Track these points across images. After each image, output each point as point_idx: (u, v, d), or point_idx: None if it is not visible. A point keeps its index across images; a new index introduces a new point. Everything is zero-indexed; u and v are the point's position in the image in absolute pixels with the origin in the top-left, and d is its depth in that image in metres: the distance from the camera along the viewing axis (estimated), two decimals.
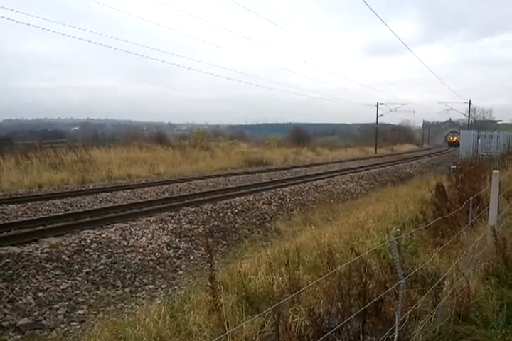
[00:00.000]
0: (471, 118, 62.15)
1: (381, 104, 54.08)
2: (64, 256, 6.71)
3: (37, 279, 5.97)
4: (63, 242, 7.18)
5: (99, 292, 6.02)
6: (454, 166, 12.98)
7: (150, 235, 8.20)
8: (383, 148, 54.87)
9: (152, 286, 6.46)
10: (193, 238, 8.65)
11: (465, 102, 57.76)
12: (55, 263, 6.47)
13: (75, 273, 6.33)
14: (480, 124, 64.80)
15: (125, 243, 7.61)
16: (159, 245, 7.90)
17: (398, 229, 5.92)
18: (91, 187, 15.84)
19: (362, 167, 25.10)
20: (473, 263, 4.51)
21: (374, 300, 3.03)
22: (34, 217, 9.93)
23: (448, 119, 77.90)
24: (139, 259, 7.18)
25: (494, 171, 5.82)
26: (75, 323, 5.14)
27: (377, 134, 53.28)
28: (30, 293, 5.58)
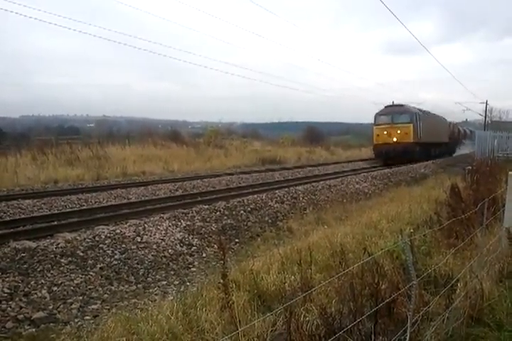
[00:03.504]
0: (487, 119, 59.87)
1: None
2: (78, 251, 6.78)
3: (52, 274, 6.05)
4: (78, 237, 7.26)
5: (112, 287, 6.08)
6: (470, 167, 12.88)
7: (163, 232, 8.25)
8: None
9: (165, 282, 6.50)
10: (205, 235, 8.69)
11: (482, 102, 56.53)
12: (70, 258, 6.54)
13: (89, 268, 6.40)
14: (497, 125, 60.05)
15: (139, 239, 7.67)
16: (172, 242, 7.95)
17: (412, 230, 5.90)
18: (106, 183, 16.00)
19: (375, 167, 24.96)
20: (487, 265, 4.47)
21: (386, 300, 3.02)
22: (49, 212, 10.06)
23: (464, 120, 69.36)
24: (152, 255, 7.24)
25: (510, 173, 5.77)
26: (88, 318, 5.19)
27: None
28: (45, 287, 5.65)
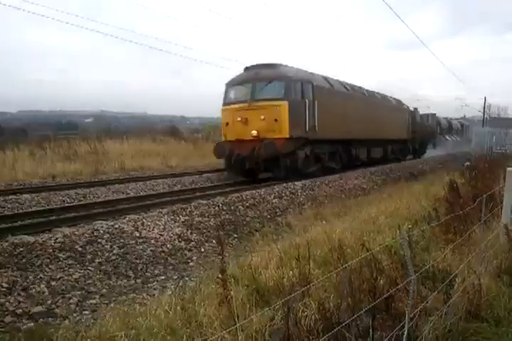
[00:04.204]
0: (486, 115, 59.76)
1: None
2: (77, 246, 6.78)
3: (50, 268, 6.05)
4: (76, 232, 7.25)
5: (111, 282, 6.09)
6: (468, 163, 12.91)
7: (162, 227, 8.25)
8: None
9: (163, 277, 6.51)
10: (204, 230, 8.69)
11: (480, 99, 56.42)
12: (68, 253, 6.54)
13: (87, 263, 6.40)
14: (495, 121, 59.59)
15: (137, 234, 7.67)
16: (171, 237, 7.95)
17: (410, 226, 5.91)
18: (104, 178, 15.99)
19: (374, 162, 24.95)
20: (486, 261, 4.49)
21: (384, 295, 3.03)
22: (48, 207, 10.06)
23: (463, 116, 68.68)
24: (151, 250, 7.24)
25: (508, 169, 5.78)
26: (87, 312, 5.20)
27: None
28: (44, 282, 5.65)
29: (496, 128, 27.83)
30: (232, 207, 10.28)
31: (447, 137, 38.11)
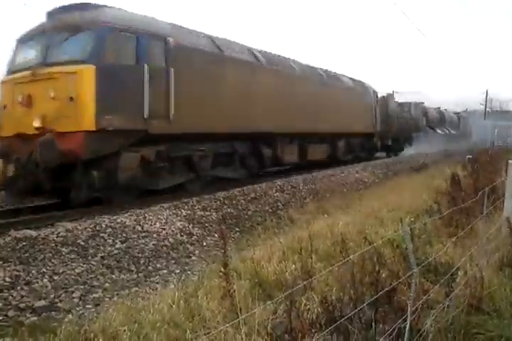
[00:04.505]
0: (487, 109, 59.37)
1: (396, 92, 52.48)
2: (79, 241, 6.79)
3: (53, 262, 6.06)
4: (79, 227, 7.25)
5: (113, 276, 6.10)
6: (470, 156, 12.89)
7: (164, 221, 8.25)
8: None
9: (166, 271, 6.52)
10: (206, 224, 8.70)
11: (482, 93, 56.27)
12: (71, 247, 6.55)
13: (90, 257, 6.40)
14: (496, 115, 58.89)
15: (139, 228, 7.68)
16: (173, 231, 7.96)
17: (412, 219, 5.92)
18: None
19: (375, 156, 24.91)
20: (487, 254, 4.50)
21: (387, 289, 3.03)
22: (50, 202, 10.06)
23: (464, 110, 67.49)
24: (153, 244, 7.25)
25: (510, 161, 5.77)
26: (89, 306, 5.21)
27: None
28: (47, 276, 5.66)
29: (498, 121, 27.56)
30: (234, 201, 10.28)
31: (438, 130, 31.96)
